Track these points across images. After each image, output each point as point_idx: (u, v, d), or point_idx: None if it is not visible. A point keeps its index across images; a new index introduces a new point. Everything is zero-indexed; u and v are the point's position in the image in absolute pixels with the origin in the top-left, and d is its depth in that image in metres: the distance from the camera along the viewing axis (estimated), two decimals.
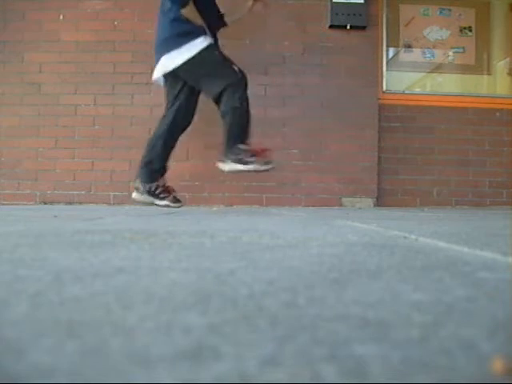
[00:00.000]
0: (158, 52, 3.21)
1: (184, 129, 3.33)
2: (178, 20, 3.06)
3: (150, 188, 3.32)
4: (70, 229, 1.39)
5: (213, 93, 3.10)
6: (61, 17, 4.19)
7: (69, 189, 4.14)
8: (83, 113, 4.17)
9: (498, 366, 0.31)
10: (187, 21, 3.05)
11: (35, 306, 0.47)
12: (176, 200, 3.40)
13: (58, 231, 1.31)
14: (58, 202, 4.15)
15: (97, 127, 4.16)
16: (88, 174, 4.14)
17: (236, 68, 3.07)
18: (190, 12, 3.05)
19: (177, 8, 3.02)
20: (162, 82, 3.32)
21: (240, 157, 3.10)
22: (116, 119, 4.16)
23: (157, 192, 3.32)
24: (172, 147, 3.31)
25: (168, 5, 3.06)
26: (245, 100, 3.09)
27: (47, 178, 4.15)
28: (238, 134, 3.12)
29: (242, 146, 3.09)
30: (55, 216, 2.17)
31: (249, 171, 3.13)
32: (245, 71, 3.10)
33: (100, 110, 4.16)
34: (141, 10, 4.16)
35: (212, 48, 3.10)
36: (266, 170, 3.15)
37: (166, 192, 3.36)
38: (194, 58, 3.04)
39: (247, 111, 3.12)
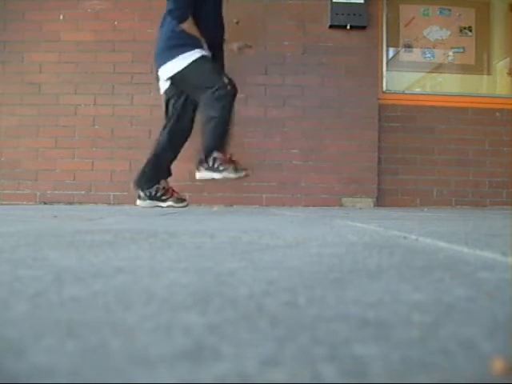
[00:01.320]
0: (156, 63, 3.29)
1: (185, 140, 3.38)
2: (175, 33, 3.13)
3: (151, 193, 3.35)
4: (70, 229, 1.39)
5: (198, 94, 3.16)
6: (61, 17, 4.19)
7: (69, 189, 4.14)
8: (83, 113, 4.17)
9: (497, 365, 0.31)
10: (184, 33, 3.11)
11: (35, 306, 0.47)
12: (180, 200, 3.41)
13: (57, 231, 1.31)
14: (58, 202, 4.15)
15: (97, 127, 4.16)
16: (88, 174, 4.14)
17: (226, 79, 3.10)
18: (190, 27, 3.10)
19: (176, 23, 3.09)
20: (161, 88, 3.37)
21: (213, 165, 3.14)
22: (116, 119, 4.16)
23: (158, 195, 3.35)
24: (174, 158, 3.39)
25: (168, 19, 3.13)
26: (226, 111, 3.09)
27: (47, 177, 4.15)
28: (212, 143, 3.14)
29: (215, 154, 3.12)
30: (55, 216, 2.17)
31: (221, 179, 3.16)
32: (235, 84, 3.12)
33: (100, 110, 4.16)
34: (141, 10, 4.16)
35: (204, 59, 3.16)
36: (239, 178, 3.18)
37: (168, 193, 3.38)
38: (186, 67, 3.11)
39: (226, 122, 3.12)
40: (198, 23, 3.13)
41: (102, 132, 4.16)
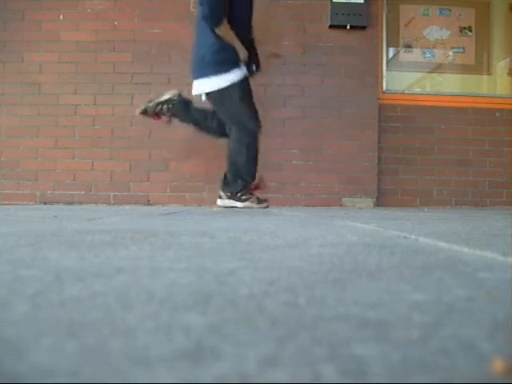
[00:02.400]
0: (196, 69, 3.25)
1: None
2: (216, 43, 3.10)
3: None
4: (69, 229, 1.39)
5: (227, 126, 3.24)
6: (61, 17, 4.19)
7: (69, 189, 4.14)
8: (83, 113, 4.17)
9: (497, 365, 0.31)
10: (225, 45, 3.09)
11: (35, 306, 0.47)
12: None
13: (57, 231, 1.31)
14: (58, 202, 4.15)
15: (97, 127, 4.16)
16: (88, 174, 4.15)
17: (255, 115, 3.20)
18: (226, 32, 3.09)
19: (211, 28, 3.07)
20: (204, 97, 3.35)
21: (236, 193, 3.20)
22: (116, 119, 4.16)
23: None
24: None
25: (204, 24, 3.10)
26: (252, 149, 3.18)
27: (47, 177, 4.15)
28: (235, 171, 3.20)
29: (239, 182, 3.19)
30: (55, 216, 2.17)
31: (243, 208, 3.20)
32: (260, 122, 3.23)
33: (100, 110, 4.16)
34: (141, 10, 4.16)
35: (241, 85, 3.16)
36: (260, 208, 3.22)
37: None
38: (224, 89, 3.13)
39: (251, 158, 3.20)
40: (231, 26, 3.11)
41: (102, 132, 4.16)
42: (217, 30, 3.06)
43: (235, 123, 3.20)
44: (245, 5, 3.25)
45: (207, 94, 3.23)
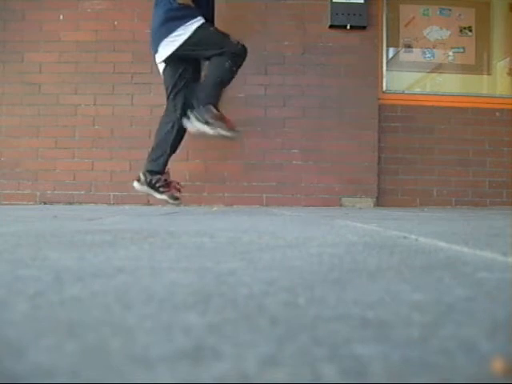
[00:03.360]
0: (154, 39, 3.28)
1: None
2: (172, 7, 3.15)
3: (151, 180, 3.34)
4: (69, 229, 1.39)
5: (210, 55, 3.18)
6: (61, 17, 4.19)
7: (69, 189, 4.14)
8: (83, 113, 4.17)
9: (497, 365, 0.31)
10: (181, 7, 3.13)
11: (35, 306, 0.47)
12: (174, 197, 3.41)
13: (57, 231, 1.31)
14: (58, 202, 4.15)
15: (97, 127, 4.16)
16: (88, 174, 4.14)
17: (235, 40, 3.16)
18: (186, 2, 3.14)
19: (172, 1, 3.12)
20: (161, 68, 3.37)
21: (207, 118, 3.11)
22: (116, 119, 4.16)
23: (157, 185, 3.34)
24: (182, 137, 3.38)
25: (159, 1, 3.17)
26: (232, 72, 3.15)
27: (47, 177, 4.15)
28: (210, 92, 3.16)
29: (212, 108, 3.11)
30: (55, 216, 2.17)
31: (212, 135, 3.14)
32: (245, 45, 3.21)
33: (100, 110, 4.16)
34: (141, 10, 4.16)
35: (206, 25, 3.17)
36: (230, 137, 3.19)
37: (167, 187, 3.37)
38: (190, 38, 3.13)
39: (227, 82, 3.18)
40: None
41: (102, 132, 4.15)
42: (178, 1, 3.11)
43: (218, 50, 3.15)
44: None
45: (176, 54, 3.21)
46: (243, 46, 3.19)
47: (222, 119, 3.12)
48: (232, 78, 3.21)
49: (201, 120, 3.11)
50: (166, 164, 3.40)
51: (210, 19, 3.34)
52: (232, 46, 3.15)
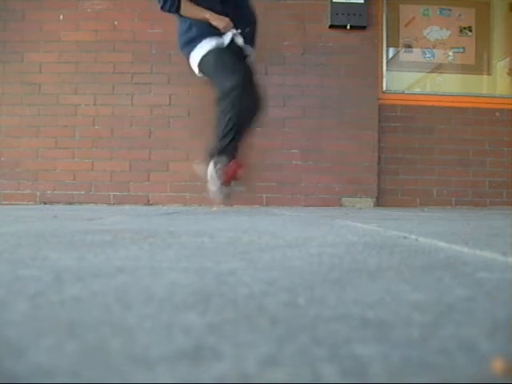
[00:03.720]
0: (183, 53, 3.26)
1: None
2: (181, 26, 3.11)
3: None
4: (69, 229, 1.39)
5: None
6: (61, 17, 4.19)
7: (69, 189, 4.14)
8: (83, 113, 4.17)
9: (497, 365, 0.31)
10: (189, 25, 3.07)
11: (35, 306, 0.47)
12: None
13: (57, 231, 1.31)
14: (58, 202, 4.15)
15: (97, 127, 4.16)
16: (88, 174, 4.15)
17: (235, 75, 2.89)
18: (187, 10, 3.03)
19: (171, 13, 3.06)
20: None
21: (212, 169, 2.90)
22: (116, 119, 4.16)
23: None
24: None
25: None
26: (223, 112, 2.85)
27: (47, 177, 4.15)
28: (216, 143, 2.95)
29: (218, 162, 2.88)
30: (55, 216, 2.17)
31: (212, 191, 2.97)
32: (245, 72, 3.02)
33: (100, 110, 4.16)
34: (141, 10, 4.16)
35: (211, 53, 3.05)
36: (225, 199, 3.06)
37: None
38: (200, 63, 3.09)
39: (222, 123, 2.86)
40: (198, 2, 3.00)
41: (102, 132, 4.16)
42: (181, 13, 3.04)
43: (216, 86, 2.97)
44: None
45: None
46: (238, 77, 2.82)
47: (228, 179, 2.92)
48: (228, 127, 2.83)
49: (210, 172, 2.93)
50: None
51: (224, 13, 3.05)
52: (223, 83, 2.83)
